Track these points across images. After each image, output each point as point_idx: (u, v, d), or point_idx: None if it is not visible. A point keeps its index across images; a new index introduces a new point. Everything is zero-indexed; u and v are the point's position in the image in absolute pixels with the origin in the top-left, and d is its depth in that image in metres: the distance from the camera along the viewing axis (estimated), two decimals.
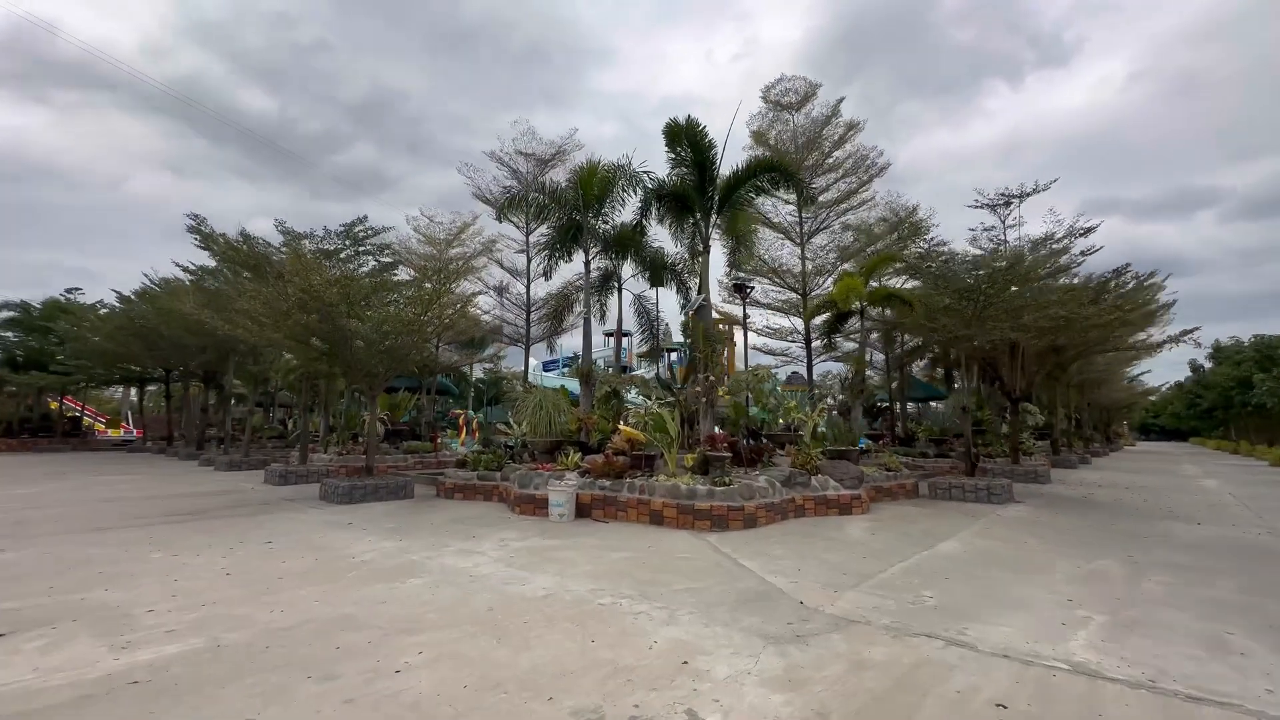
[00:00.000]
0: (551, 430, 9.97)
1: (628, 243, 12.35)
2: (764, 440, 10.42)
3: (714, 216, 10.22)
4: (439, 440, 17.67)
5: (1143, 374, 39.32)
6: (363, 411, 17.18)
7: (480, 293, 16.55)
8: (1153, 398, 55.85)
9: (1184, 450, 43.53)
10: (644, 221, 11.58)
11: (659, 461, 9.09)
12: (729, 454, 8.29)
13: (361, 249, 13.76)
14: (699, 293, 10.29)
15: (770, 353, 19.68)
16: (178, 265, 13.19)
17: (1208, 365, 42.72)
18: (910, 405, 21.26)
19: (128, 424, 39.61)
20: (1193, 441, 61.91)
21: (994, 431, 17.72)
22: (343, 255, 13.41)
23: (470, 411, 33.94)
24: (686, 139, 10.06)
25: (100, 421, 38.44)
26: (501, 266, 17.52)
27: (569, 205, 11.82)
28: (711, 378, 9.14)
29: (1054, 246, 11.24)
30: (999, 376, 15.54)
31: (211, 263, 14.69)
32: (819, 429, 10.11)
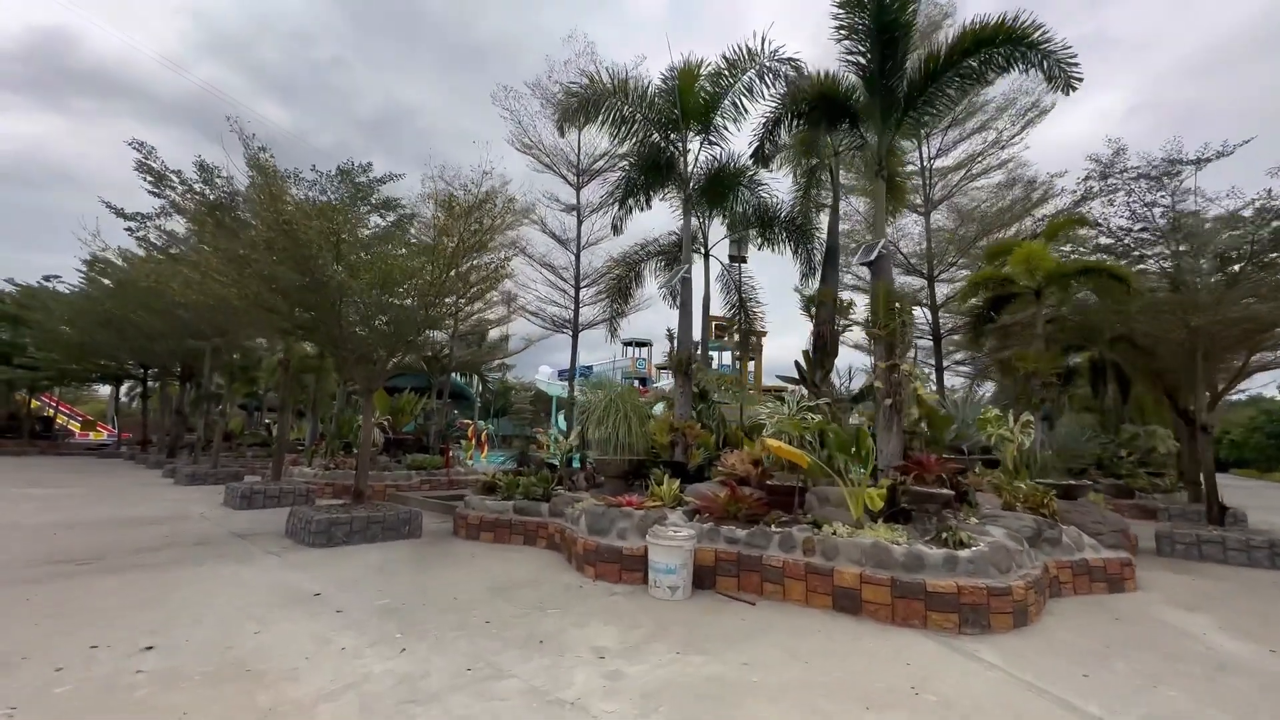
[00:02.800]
0: (630, 444, 6.67)
1: (732, 183, 8.87)
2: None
3: (897, 124, 6.73)
4: (451, 454, 14.37)
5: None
6: (359, 414, 13.99)
7: (515, 254, 12.95)
8: None
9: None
10: (765, 146, 7.97)
11: (810, 499, 5.77)
12: (949, 491, 4.97)
13: (363, 204, 10.55)
14: (830, 248, 6.97)
15: (864, 349, 15.86)
16: (106, 205, 9.63)
17: None
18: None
19: (110, 425, 36.47)
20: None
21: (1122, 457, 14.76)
22: (339, 207, 10.20)
23: (480, 421, 30.59)
24: None
25: (76, 421, 35.24)
26: (544, 229, 13.78)
27: (660, 119, 8.39)
28: (905, 368, 5.84)
29: None
30: (1169, 392, 12.22)
31: (156, 212, 11.43)
32: (1023, 451, 6.78)
